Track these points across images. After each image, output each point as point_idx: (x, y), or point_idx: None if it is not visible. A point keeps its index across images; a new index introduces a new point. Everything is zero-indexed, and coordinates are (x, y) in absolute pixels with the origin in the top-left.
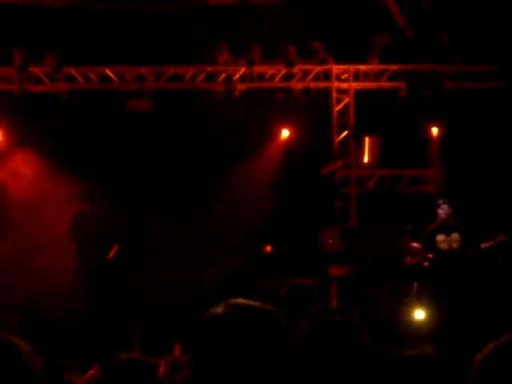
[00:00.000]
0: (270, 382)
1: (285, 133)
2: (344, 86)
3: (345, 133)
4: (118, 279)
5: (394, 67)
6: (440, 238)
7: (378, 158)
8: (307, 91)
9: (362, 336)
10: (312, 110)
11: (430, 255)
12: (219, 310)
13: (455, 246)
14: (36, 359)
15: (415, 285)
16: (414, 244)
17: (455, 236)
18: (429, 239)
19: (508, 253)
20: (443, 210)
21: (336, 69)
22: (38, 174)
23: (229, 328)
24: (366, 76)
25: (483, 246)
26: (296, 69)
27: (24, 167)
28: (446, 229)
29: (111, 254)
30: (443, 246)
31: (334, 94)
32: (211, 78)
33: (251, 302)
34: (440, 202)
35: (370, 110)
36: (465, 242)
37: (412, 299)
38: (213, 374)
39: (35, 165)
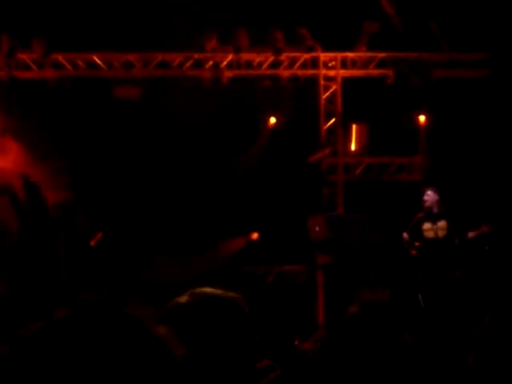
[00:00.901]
0: (235, 369)
1: (272, 120)
2: (331, 73)
3: (332, 120)
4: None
5: (382, 55)
6: (426, 226)
7: (366, 146)
8: (295, 79)
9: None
10: (299, 97)
11: (417, 243)
12: (183, 299)
13: (441, 234)
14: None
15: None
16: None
17: (441, 224)
18: (415, 227)
19: (493, 243)
20: (429, 197)
21: (323, 56)
22: (23, 162)
23: (192, 316)
24: (353, 63)
25: (469, 235)
26: (283, 56)
27: (9, 154)
28: (433, 217)
29: (94, 242)
30: (429, 235)
31: (322, 82)
32: (199, 64)
33: (215, 291)
34: (426, 189)
35: (358, 98)
36: (451, 229)
37: None
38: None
39: (21, 152)
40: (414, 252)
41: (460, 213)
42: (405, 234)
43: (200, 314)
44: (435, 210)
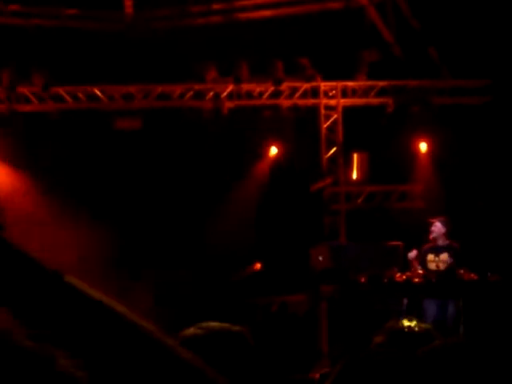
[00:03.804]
0: None
1: (273, 150)
2: (332, 102)
3: (333, 149)
4: None
5: (382, 83)
6: (430, 257)
7: (367, 175)
8: (295, 108)
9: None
10: (300, 127)
11: (421, 272)
12: (190, 332)
13: (442, 266)
14: None
15: (405, 301)
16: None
17: (443, 256)
18: (422, 258)
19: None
20: (436, 228)
21: (324, 85)
22: (25, 195)
23: (199, 349)
24: (353, 92)
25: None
26: (284, 86)
27: (10, 185)
28: (437, 249)
29: None
30: (431, 266)
31: (322, 111)
32: (199, 95)
33: (222, 324)
34: (433, 220)
35: (358, 127)
36: (454, 261)
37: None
38: None
39: (21, 184)
40: (416, 280)
41: (465, 241)
42: (413, 253)
43: (207, 347)
44: (440, 242)
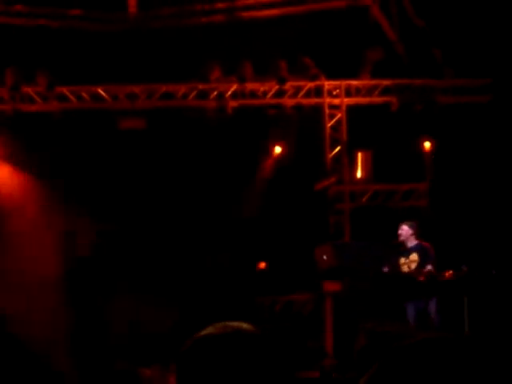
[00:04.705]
0: None
1: (277, 149)
2: (336, 101)
3: (337, 148)
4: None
5: (386, 82)
6: (401, 260)
7: (371, 173)
8: (299, 107)
9: None
10: (304, 126)
11: (426, 270)
12: (207, 331)
13: (413, 266)
14: None
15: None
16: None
17: (412, 257)
18: (396, 264)
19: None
20: (403, 231)
21: (328, 84)
22: (29, 195)
23: (216, 349)
24: (357, 91)
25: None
26: (288, 85)
27: (13, 186)
28: (406, 251)
29: None
30: (404, 269)
31: (326, 110)
32: (203, 95)
33: (239, 324)
34: (401, 224)
35: (362, 125)
36: (422, 262)
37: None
38: None
39: (25, 185)
40: (421, 278)
41: (463, 238)
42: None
43: (224, 347)
44: (409, 243)
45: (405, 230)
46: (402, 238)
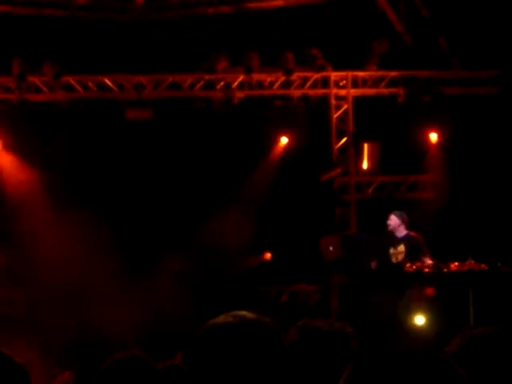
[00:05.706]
0: None
1: (284, 140)
2: (342, 92)
3: (344, 139)
4: None
5: (393, 73)
6: (391, 251)
7: (377, 164)
8: (306, 98)
9: (350, 343)
10: (311, 117)
11: (430, 262)
12: (221, 319)
13: (400, 257)
14: None
15: (414, 291)
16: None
17: (400, 248)
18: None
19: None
20: (391, 222)
21: (334, 75)
22: (35, 186)
23: (229, 338)
24: (364, 82)
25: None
26: (294, 76)
27: (21, 177)
28: (394, 242)
29: None
30: (393, 259)
31: (333, 101)
32: (210, 85)
33: (253, 314)
34: (389, 213)
35: (369, 117)
36: (409, 253)
37: (411, 305)
38: (210, 381)
39: (32, 176)
40: (426, 270)
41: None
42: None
43: (238, 336)
44: (398, 234)
45: (393, 220)
46: (390, 228)
